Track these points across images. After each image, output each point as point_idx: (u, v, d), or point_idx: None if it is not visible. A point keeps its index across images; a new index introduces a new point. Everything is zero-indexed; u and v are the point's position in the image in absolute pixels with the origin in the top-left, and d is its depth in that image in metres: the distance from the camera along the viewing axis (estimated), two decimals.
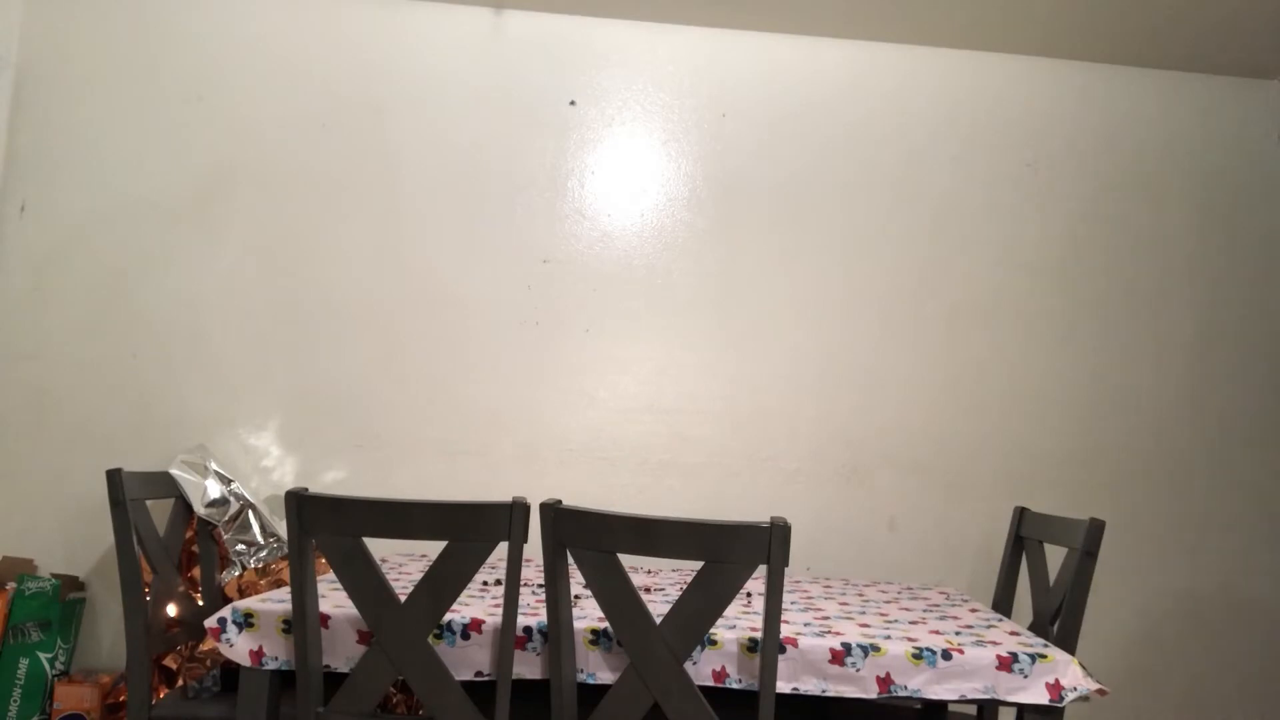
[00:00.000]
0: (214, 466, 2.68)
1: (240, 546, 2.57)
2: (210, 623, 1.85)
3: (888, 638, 1.85)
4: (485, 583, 2.26)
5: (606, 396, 2.99)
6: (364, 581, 1.74)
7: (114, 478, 2.16)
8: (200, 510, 2.54)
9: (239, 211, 2.99)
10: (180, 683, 2.40)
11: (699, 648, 1.77)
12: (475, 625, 1.82)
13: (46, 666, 2.65)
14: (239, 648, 1.84)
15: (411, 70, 3.06)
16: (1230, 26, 2.89)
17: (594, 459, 2.98)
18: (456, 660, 1.81)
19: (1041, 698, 1.76)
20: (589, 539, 1.68)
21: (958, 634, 1.94)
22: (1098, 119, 3.15)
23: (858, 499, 2.99)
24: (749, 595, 2.24)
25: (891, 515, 2.99)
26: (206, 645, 2.37)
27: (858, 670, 1.76)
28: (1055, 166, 3.13)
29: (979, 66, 3.15)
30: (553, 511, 1.70)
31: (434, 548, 1.78)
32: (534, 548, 2.57)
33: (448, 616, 1.83)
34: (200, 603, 2.49)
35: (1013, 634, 1.97)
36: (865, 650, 1.76)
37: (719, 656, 1.78)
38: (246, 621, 1.85)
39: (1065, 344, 3.07)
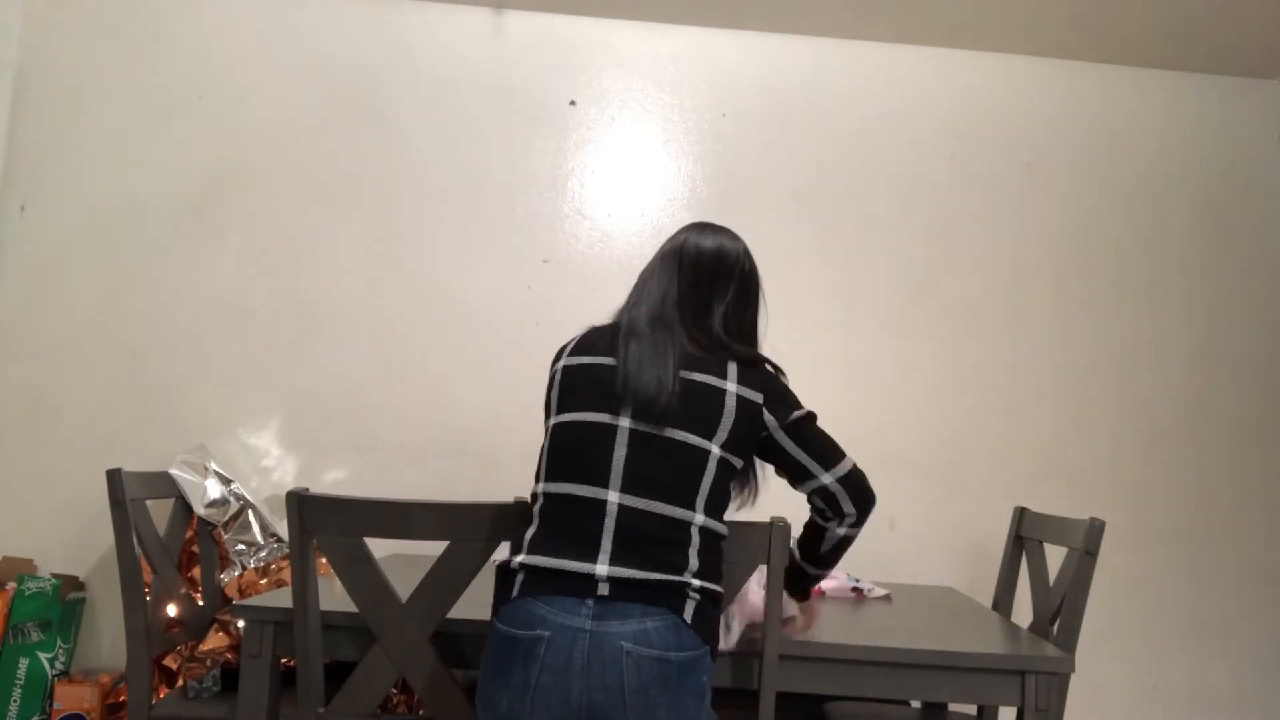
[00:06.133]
0: (214, 466, 2.68)
1: (240, 546, 2.57)
2: None
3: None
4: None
5: None
6: (364, 581, 1.74)
7: (114, 478, 2.16)
8: (200, 510, 2.54)
9: (239, 211, 2.99)
10: (180, 683, 2.40)
11: None
12: None
13: (46, 666, 2.65)
14: None
15: (411, 70, 3.06)
16: (1230, 26, 2.89)
17: None
18: None
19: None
20: None
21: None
22: (1098, 119, 3.15)
23: None
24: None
25: (891, 515, 2.99)
26: (206, 645, 2.37)
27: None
28: (1055, 166, 3.13)
29: (979, 66, 3.15)
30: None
31: (434, 548, 1.78)
32: None
33: None
34: (200, 603, 2.49)
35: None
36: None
37: None
38: None
39: (1065, 344, 3.07)
